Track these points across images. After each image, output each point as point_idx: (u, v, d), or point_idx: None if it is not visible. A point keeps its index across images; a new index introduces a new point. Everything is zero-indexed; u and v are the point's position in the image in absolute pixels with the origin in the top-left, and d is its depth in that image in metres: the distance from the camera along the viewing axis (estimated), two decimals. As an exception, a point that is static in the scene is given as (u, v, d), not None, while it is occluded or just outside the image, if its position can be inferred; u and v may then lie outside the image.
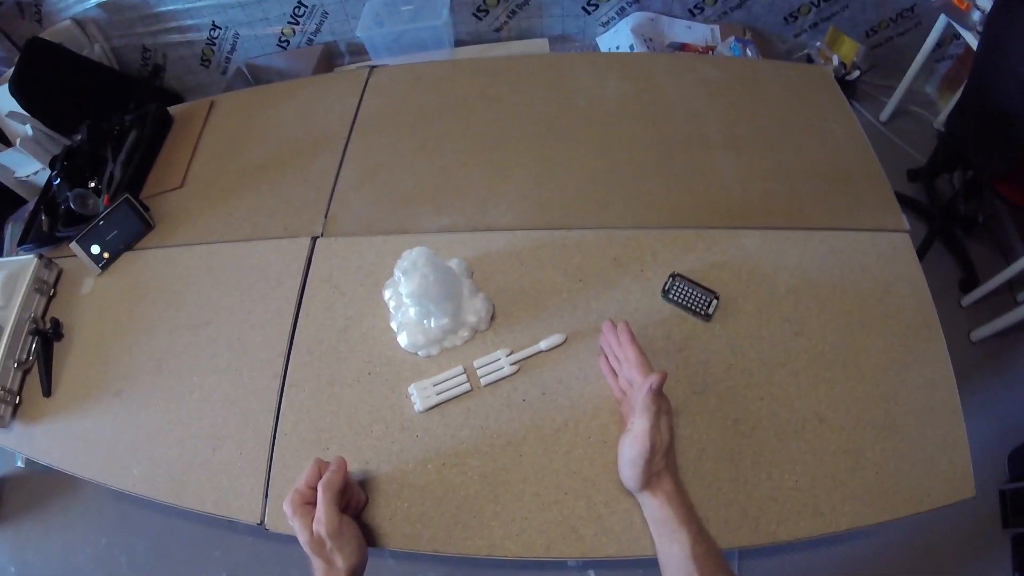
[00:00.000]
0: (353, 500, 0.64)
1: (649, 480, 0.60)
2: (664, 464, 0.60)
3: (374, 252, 0.85)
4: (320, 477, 0.59)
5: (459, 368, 0.73)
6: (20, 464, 1.68)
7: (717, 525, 0.63)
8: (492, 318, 0.77)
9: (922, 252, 1.88)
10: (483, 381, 0.72)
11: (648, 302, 0.77)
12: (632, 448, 0.60)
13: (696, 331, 0.75)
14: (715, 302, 0.74)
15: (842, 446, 0.67)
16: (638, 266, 0.80)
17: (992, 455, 1.63)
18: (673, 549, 0.57)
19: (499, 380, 0.72)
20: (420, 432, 0.70)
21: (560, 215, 0.88)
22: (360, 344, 0.77)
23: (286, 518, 0.58)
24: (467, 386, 0.72)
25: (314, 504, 0.58)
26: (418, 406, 0.71)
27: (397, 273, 0.69)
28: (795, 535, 0.63)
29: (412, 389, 0.72)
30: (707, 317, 0.74)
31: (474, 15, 2.10)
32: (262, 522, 0.68)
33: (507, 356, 0.73)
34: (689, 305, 0.75)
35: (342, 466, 0.61)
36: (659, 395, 0.60)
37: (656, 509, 0.59)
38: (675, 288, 0.76)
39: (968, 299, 1.88)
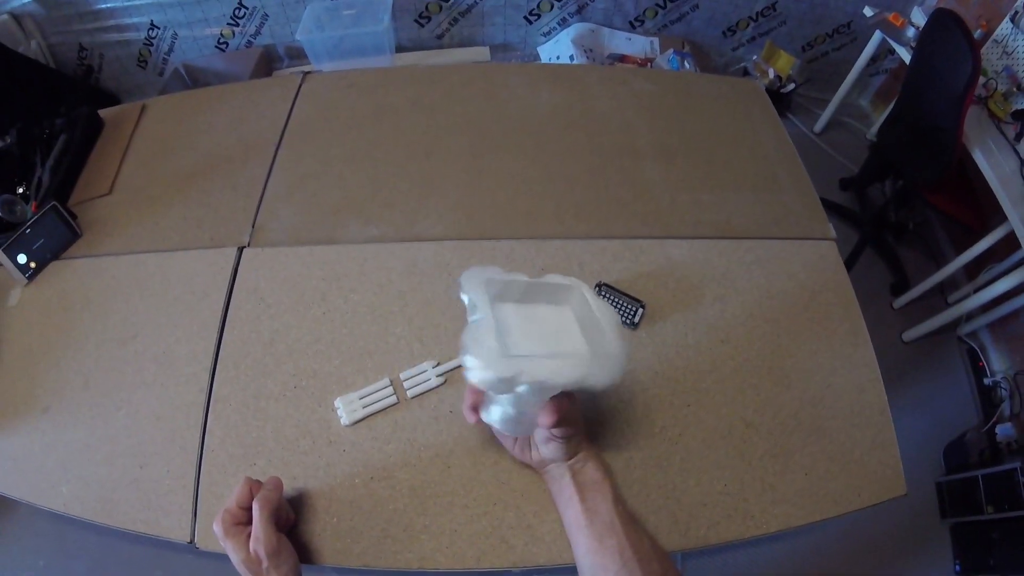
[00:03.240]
0: (282, 518, 0.62)
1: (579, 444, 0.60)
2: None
3: (301, 263, 0.84)
4: (251, 496, 0.58)
5: (386, 380, 0.72)
6: None
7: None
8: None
9: (854, 258, 1.96)
10: (410, 393, 0.71)
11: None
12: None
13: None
14: (641, 311, 0.75)
15: (770, 450, 0.69)
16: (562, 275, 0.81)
17: (928, 450, 1.71)
18: (597, 499, 0.57)
19: (426, 392, 0.71)
20: (347, 446, 0.69)
21: (490, 225, 0.88)
22: (286, 357, 0.76)
23: (217, 538, 0.56)
24: (394, 399, 0.71)
25: (244, 524, 0.57)
26: (344, 420, 0.69)
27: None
28: (726, 538, 0.64)
29: (338, 403, 0.71)
30: (633, 326, 0.75)
31: (416, 21, 2.10)
32: (192, 540, 0.66)
33: (434, 368, 0.73)
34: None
35: (278, 485, 0.60)
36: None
37: (591, 459, 0.60)
38: (602, 297, 0.77)
39: (900, 302, 1.96)
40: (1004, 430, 1.66)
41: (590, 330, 0.54)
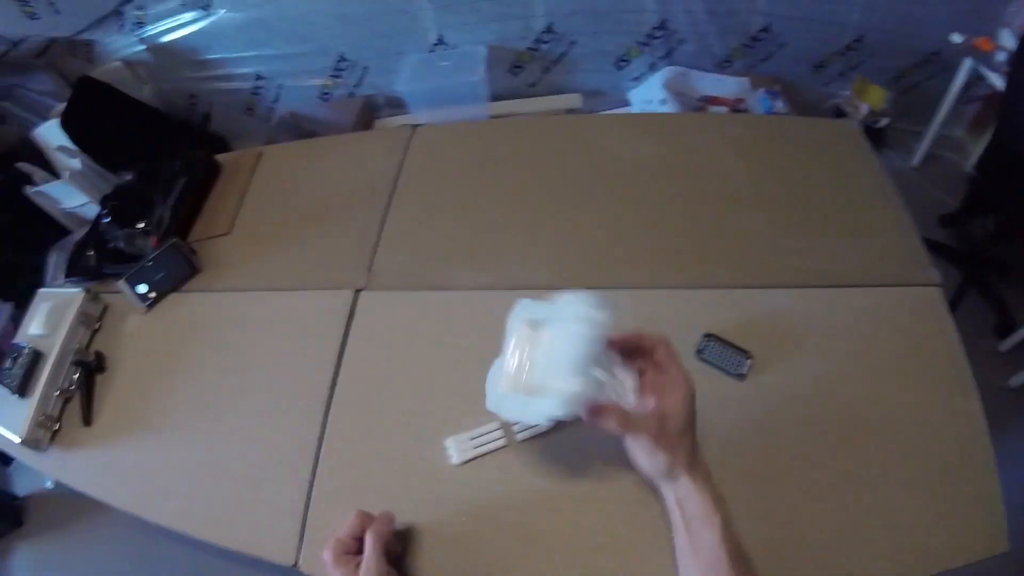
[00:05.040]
0: (390, 550, 0.65)
1: (694, 452, 0.59)
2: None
3: (413, 306, 0.89)
4: (362, 528, 0.61)
5: (496, 423, 0.75)
6: (49, 485, 1.71)
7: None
8: None
9: (957, 298, 1.85)
10: (519, 437, 0.73)
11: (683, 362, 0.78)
12: (675, 397, 0.57)
13: (729, 391, 0.75)
14: (749, 362, 0.75)
15: (872, 504, 0.67)
16: (671, 327, 0.81)
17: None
18: (704, 534, 0.56)
19: (534, 436, 0.73)
20: (456, 485, 0.72)
21: (590, 274, 0.90)
22: (398, 396, 0.80)
23: (324, 566, 0.59)
24: (503, 440, 0.73)
25: (353, 554, 0.60)
26: (455, 459, 0.72)
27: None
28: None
29: (449, 442, 0.74)
30: (741, 377, 0.75)
31: (509, 71, 2.17)
32: (296, 564, 0.70)
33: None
34: (723, 365, 0.76)
35: (391, 519, 0.63)
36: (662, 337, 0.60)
37: (697, 491, 0.57)
38: (709, 348, 0.77)
39: (1005, 345, 1.83)
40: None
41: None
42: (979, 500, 0.67)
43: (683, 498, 0.59)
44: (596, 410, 0.56)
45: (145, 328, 0.97)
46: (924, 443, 0.71)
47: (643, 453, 0.59)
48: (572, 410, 0.55)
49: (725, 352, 0.76)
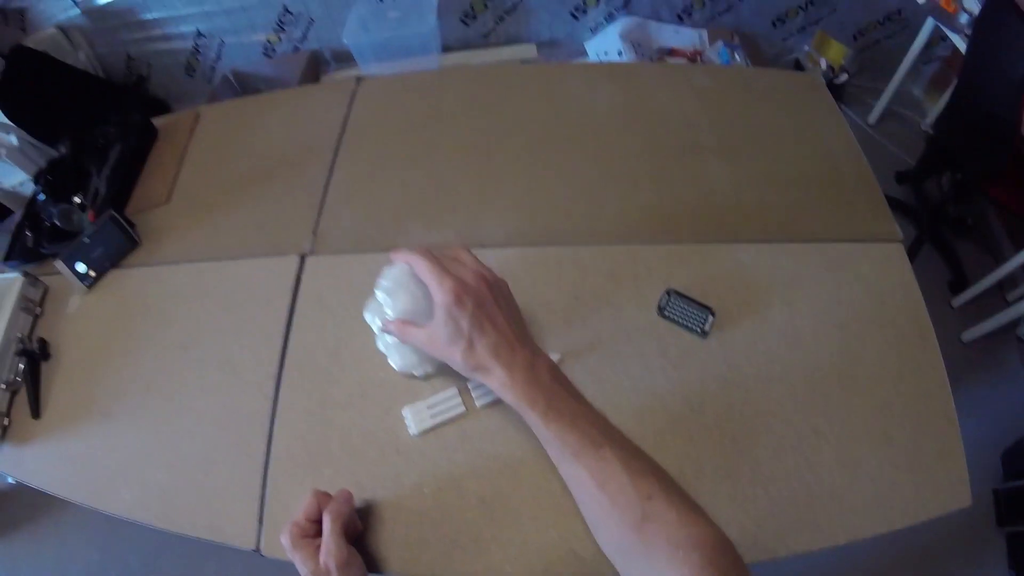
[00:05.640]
0: (351, 529, 0.63)
1: (475, 352, 0.58)
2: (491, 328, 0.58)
3: (364, 270, 0.83)
4: (318, 509, 0.58)
5: (453, 390, 0.72)
6: (11, 480, 1.66)
7: (717, 543, 0.63)
8: None
9: (912, 255, 1.89)
10: (478, 402, 0.71)
11: (644, 318, 0.77)
12: (436, 304, 0.59)
13: (692, 347, 0.74)
14: (711, 318, 0.74)
15: (839, 459, 0.67)
16: (633, 282, 0.80)
17: (985, 455, 1.66)
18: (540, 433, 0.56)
19: (494, 401, 0.71)
20: (415, 455, 0.69)
21: (554, 230, 0.87)
22: (352, 365, 0.76)
23: (284, 549, 0.57)
24: (462, 408, 0.70)
25: (312, 536, 0.57)
26: (413, 429, 0.69)
27: (380, 294, 0.68)
28: (794, 550, 0.63)
29: (406, 412, 0.71)
30: (703, 334, 0.74)
31: (461, 21, 2.10)
32: (258, 548, 0.67)
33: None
34: (685, 322, 0.74)
35: (349, 498, 0.60)
36: (424, 252, 0.61)
37: (500, 389, 0.58)
38: (671, 305, 0.76)
39: (958, 300, 1.89)
40: (1066, 435, 1.60)
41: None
42: (942, 455, 0.68)
43: (500, 395, 0.59)
44: (386, 326, 0.65)
45: (88, 309, 0.91)
46: (888, 398, 0.71)
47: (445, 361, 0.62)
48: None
49: (687, 308, 0.75)
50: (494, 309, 0.59)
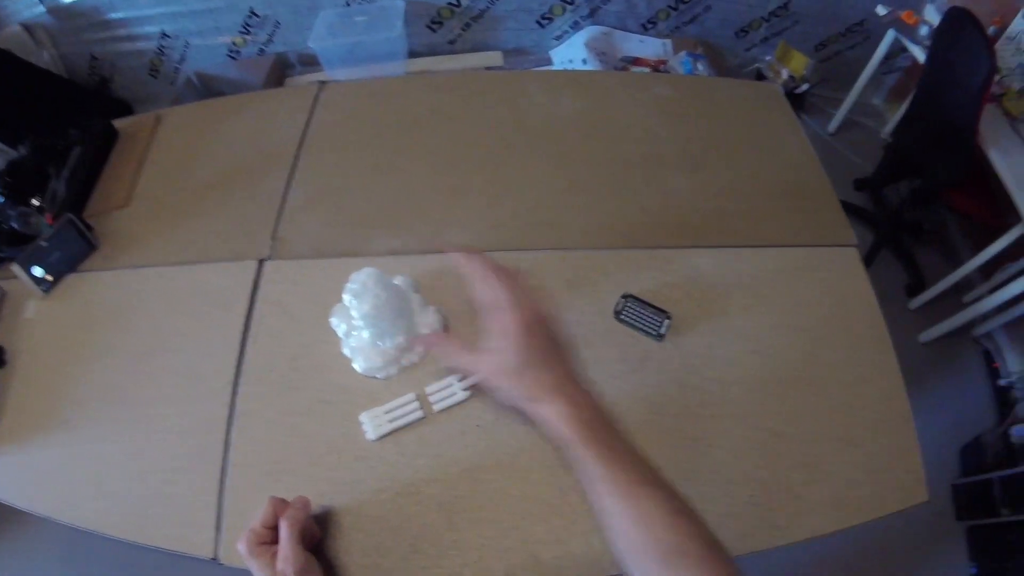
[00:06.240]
0: (308, 535, 0.62)
1: (542, 386, 0.54)
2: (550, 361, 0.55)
3: (324, 276, 0.83)
4: (275, 516, 0.57)
5: (411, 395, 0.71)
6: None
7: (676, 544, 0.64)
8: (446, 329, 0.77)
9: (870, 259, 1.94)
10: (436, 407, 0.71)
11: (601, 324, 0.78)
12: (505, 337, 0.55)
13: (649, 351, 0.75)
14: (667, 322, 0.75)
15: (798, 460, 0.68)
16: (591, 288, 0.81)
17: (944, 451, 1.70)
18: (582, 466, 0.52)
19: (452, 406, 0.71)
20: (374, 461, 0.69)
21: (514, 236, 0.87)
22: (311, 372, 0.75)
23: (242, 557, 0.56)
24: (420, 413, 0.70)
25: (269, 543, 0.56)
26: (370, 434, 0.69)
27: (347, 297, 0.68)
28: (753, 548, 0.64)
29: (364, 417, 0.70)
30: (659, 337, 0.74)
31: (428, 27, 2.10)
32: (215, 557, 0.66)
33: (460, 381, 0.72)
34: (641, 326, 0.75)
35: (306, 504, 0.60)
36: (497, 271, 0.59)
37: (555, 422, 0.53)
38: (627, 309, 0.76)
39: (916, 302, 1.95)
40: (1019, 431, 1.64)
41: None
42: (899, 453, 0.70)
43: (549, 430, 0.55)
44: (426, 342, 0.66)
45: (45, 314, 0.89)
46: (845, 399, 0.73)
47: (492, 389, 0.58)
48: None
49: (643, 312, 0.76)
50: (556, 344, 0.58)
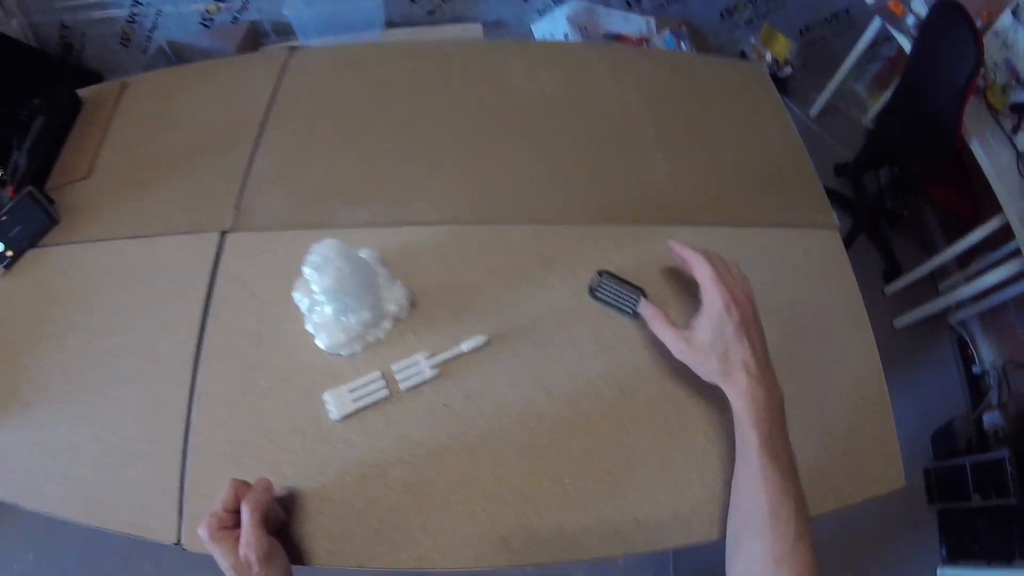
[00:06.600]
0: (272, 520, 0.60)
1: (731, 363, 0.60)
2: (751, 352, 0.60)
3: (287, 249, 0.80)
4: (237, 499, 0.56)
5: (377, 373, 0.69)
6: None
7: (649, 529, 0.63)
8: (412, 305, 0.74)
9: (847, 244, 1.95)
10: (402, 386, 0.68)
11: (575, 301, 0.76)
12: (702, 315, 0.62)
13: (624, 330, 0.73)
14: (643, 299, 0.72)
15: (774, 444, 0.68)
16: (565, 264, 0.78)
17: (916, 435, 1.73)
18: (742, 437, 0.59)
19: (419, 385, 0.69)
20: (339, 442, 0.66)
21: (486, 210, 0.85)
22: (274, 349, 0.73)
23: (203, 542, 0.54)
24: (386, 392, 0.68)
25: (231, 528, 0.55)
26: (334, 414, 0.66)
27: (307, 270, 0.65)
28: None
29: (327, 396, 0.68)
30: (635, 315, 0.73)
31: None
32: (179, 542, 0.64)
33: (427, 359, 0.70)
34: (616, 303, 0.73)
35: (268, 486, 0.58)
36: (704, 253, 0.65)
37: (734, 398, 0.60)
38: (602, 286, 0.74)
39: (892, 288, 1.97)
40: (991, 418, 1.68)
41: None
42: (876, 439, 0.69)
43: (732, 402, 0.61)
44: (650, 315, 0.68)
45: (5, 292, 0.84)
46: (823, 383, 0.72)
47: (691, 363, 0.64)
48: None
49: (619, 290, 0.74)
50: (753, 327, 0.62)
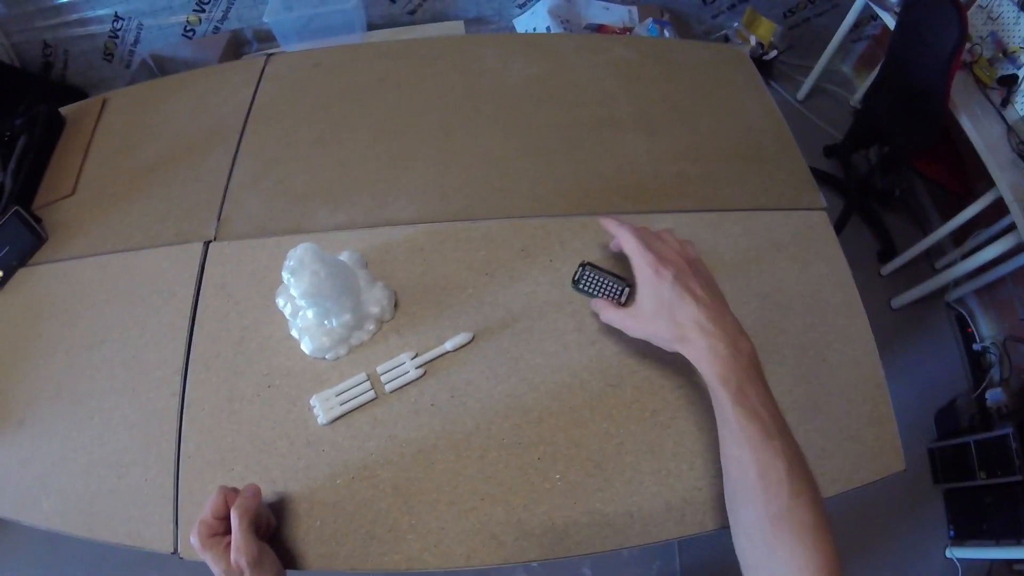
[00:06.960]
0: (262, 525, 0.60)
1: (676, 322, 0.58)
2: (703, 307, 0.57)
3: (270, 255, 0.80)
4: (226, 506, 0.56)
5: (362, 375, 0.69)
6: None
7: (642, 521, 0.62)
8: (396, 306, 0.74)
9: (840, 226, 1.95)
10: (388, 387, 0.68)
11: (558, 294, 0.75)
12: (637, 276, 0.62)
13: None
14: (627, 289, 0.71)
15: (765, 429, 0.67)
16: (547, 256, 0.78)
17: (919, 415, 1.72)
18: (722, 412, 0.55)
19: (405, 385, 0.69)
20: (326, 446, 0.66)
21: (465, 205, 0.84)
22: (258, 355, 0.73)
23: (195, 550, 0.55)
24: (371, 393, 0.68)
25: (222, 534, 0.55)
26: (321, 418, 0.67)
27: (285, 275, 0.65)
28: (723, 524, 0.62)
29: (314, 401, 0.68)
30: (620, 306, 0.72)
31: None
32: (176, 551, 0.64)
33: (412, 359, 0.69)
34: (599, 294, 0.72)
35: (257, 492, 0.58)
36: (631, 227, 0.65)
37: (695, 362, 0.58)
38: (585, 277, 0.73)
39: (887, 268, 1.96)
40: (994, 395, 1.67)
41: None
42: (874, 421, 0.69)
43: (696, 365, 0.58)
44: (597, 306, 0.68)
45: None
46: (815, 366, 0.71)
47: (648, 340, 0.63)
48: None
49: (602, 280, 0.73)
50: (692, 281, 0.60)
